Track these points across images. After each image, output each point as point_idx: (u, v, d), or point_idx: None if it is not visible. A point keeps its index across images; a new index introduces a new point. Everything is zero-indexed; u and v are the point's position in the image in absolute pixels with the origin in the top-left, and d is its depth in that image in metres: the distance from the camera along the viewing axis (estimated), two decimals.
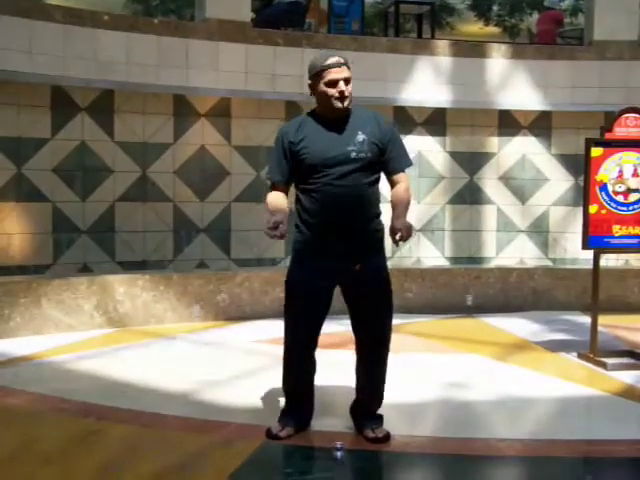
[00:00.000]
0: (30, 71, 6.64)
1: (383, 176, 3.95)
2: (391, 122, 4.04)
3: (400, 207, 3.82)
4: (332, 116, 3.82)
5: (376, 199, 3.89)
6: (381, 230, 3.94)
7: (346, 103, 3.79)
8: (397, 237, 3.63)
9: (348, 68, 3.82)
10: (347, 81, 3.79)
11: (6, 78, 6.59)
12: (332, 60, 3.77)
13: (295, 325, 3.94)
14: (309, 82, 3.84)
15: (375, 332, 3.94)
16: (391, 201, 3.89)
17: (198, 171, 7.72)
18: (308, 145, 3.79)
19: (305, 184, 3.82)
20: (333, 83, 3.75)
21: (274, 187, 3.92)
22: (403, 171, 3.93)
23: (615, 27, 8.18)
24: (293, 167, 3.85)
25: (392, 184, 3.94)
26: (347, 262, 3.82)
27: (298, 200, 3.90)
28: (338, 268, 3.82)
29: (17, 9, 6.62)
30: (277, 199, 3.86)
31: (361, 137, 3.79)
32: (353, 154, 3.76)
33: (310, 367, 4.03)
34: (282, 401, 4.09)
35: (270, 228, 3.63)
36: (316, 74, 3.78)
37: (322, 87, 3.77)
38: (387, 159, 3.87)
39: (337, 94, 3.76)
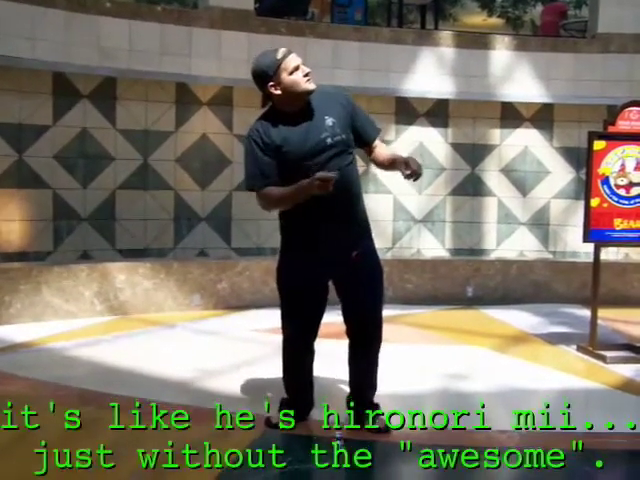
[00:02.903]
0: (32, 57, 6.63)
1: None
2: (349, 95, 3.95)
3: (394, 153, 3.87)
4: (297, 108, 3.74)
5: (358, 181, 3.89)
6: (367, 217, 3.94)
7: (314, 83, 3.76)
8: (407, 169, 3.60)
9: None
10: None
11: (8, 64, 6.57)
12: (282, 50, 3.74)
13: (294, 325, 3.93)
14: (270, 84, 3.71)
15: (370, 317, 3.91)
16: (380, 161, 3.91)
17: (199, 159, 7.71)
18: (283, 144, 3.71)
19: (291, 181, 3.68)
20: (296, 68, 3.70)
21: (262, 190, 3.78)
22: (376, 138, 3.94)
23: (619, 20, 8.15)
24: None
25: (371, 150, 3.94)
26: (343, 251, 3.80)
27: None
28: (335, 260, 3.81)
29: None
30: (281, 188, 3.73)
31: (330, 121, 3.74)
32: (329, 140, 3.71)
33: (309, 358, 4.03)
34: (282, 390, 4.09)
35: (321, 183, 3.51)
36: (276, 71, 3.69)
37: (288, 78, 3.68)
38: (358, 131, 3.86)
39: (304, 76, 3.70)
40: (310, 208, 3.69)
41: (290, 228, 3.88)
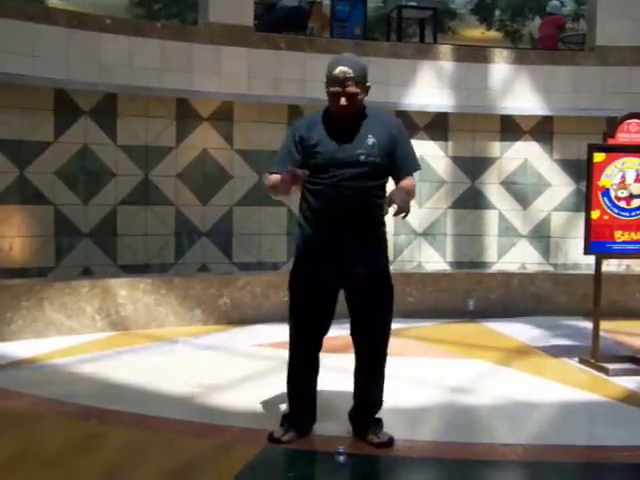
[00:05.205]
0: (33, 74, 6.66)
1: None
2: (402, 126, 3.97)
3: (402, 186, 3.79)
4: (338, 116, 3.81)
5: (380, 205, 3.78)
6: (385, 238, 3.95)
7: (346, 109, 3.76)
8: (392, 207, 3.52)
9: (356, 80, 3.72)
10: (349, 95, 3.72)
11: (10, 81, 6.60)
12: (337, 71, 3.73)
13: (300, 325, 3.93)
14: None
15: (374, 336, 3.93)
16: None
17: (200, 175, 7.73)
18: (318, 144, 3.78)
19: (312, 183, 3.77)
20: (331, 84, 3.75)
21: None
22: (410, 175, 3.91)
23: (617, 33, 8.19)
24: (302, 163, 3.80)
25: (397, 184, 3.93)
26: (347, 264, 3.82)
27: (304, 198, 3.88)
28: (339, 269, 3.82)
29: (21, 13, 6.64)
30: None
31: (371, 140, 3.78)
32: (362, 157, 3.76)
33: (314, 371, 4.03)
34: (284, 405, 4.09)
35: (287, 178, 3.58)
36: (327, 77, 3.78)
37: (327, 90, 3.78)
38: (395, 164, 3.85)
39: (335, 95, 3.74)
40: (323, 218, 3.77)
41: (303, 225, 3.91)
